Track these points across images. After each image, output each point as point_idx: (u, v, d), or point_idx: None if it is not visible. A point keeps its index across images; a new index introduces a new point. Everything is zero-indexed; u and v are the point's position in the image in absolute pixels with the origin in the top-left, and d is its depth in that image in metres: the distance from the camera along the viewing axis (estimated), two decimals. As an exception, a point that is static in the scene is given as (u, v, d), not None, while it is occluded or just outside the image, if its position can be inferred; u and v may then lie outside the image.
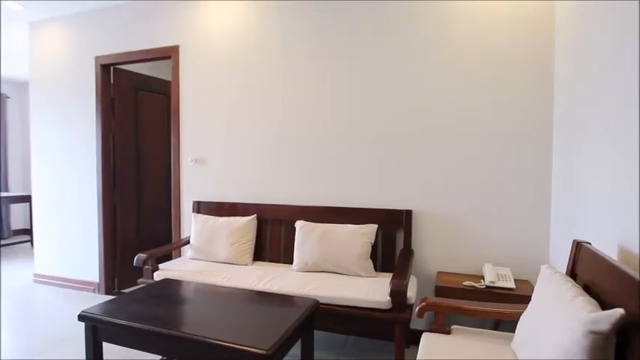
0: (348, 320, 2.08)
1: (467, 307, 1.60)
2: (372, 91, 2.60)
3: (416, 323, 2.55)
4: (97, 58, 3.49)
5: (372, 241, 2.44)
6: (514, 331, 1.69)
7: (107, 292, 3.56)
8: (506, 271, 2.21)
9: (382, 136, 2.58)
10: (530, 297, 2.00)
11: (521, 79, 2.28)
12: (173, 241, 3.17)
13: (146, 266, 2.54)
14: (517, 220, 2.32)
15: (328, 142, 2.72)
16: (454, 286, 2.18)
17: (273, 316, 1.72)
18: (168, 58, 3.24)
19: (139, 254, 2.53)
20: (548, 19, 2.22)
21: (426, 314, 1.82)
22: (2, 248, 5.40)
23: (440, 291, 2.18)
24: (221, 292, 2.08)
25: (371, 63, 2.59)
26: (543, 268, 1.49)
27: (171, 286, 2.17)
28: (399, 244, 2.56)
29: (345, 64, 2.66)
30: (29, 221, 6.25)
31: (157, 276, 2.54)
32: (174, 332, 1.57)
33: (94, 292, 3.60)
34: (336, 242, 2.43)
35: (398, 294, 1.96)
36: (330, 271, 2.45)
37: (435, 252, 2.51)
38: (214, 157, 3.06)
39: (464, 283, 2.18)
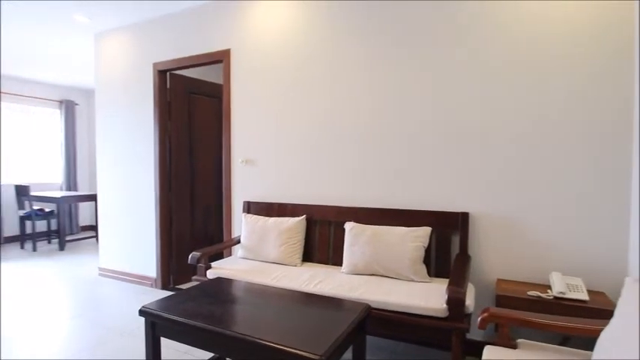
0: (400, 326, 2.00)
1: (537, 320, 1.47)
2: (427, 90, 2.48)
3: (470, 332, 2.41)
4: (154, 64, 3.67)
5: (426, 245, 2.33)
6: (585, 348, 1.53)
7: (163, 287, 3.73)
8: (578, 282, 2.01)
9: (436, 135, 2.46)
10: (607, 311, 1.81)
11: (598, 77, 2.07)
12: (224, 240, 3.24)
13: (199, 264, 2.61)
14: (590, 227, 2.11)
15: (378, 143, 2.64)
16: (517, 295, 2.02)
17: (324, 320, 1.68)
18: (220, 62, 3.33)
19: (193, 252, 2.61)
20: (629, 12, 1.99)
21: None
22: (71, 243, 5.86)
23: (501, 300, 2.03)
24: (271, 293, 2.08)
25: (425, 62, 2.48)
26: (629, 280, 1.32)
27: (223, 284, 2.21)
28: (455, 249, 2.43)
29: (393, 64, 2.57)
30: (95, 218, 6.76)
31: (210, 274, 2.60)
32: (227, 332, 1.59)
33: (152, 286, 3.78)
34: (387, 245, 2.35)
35: (455, 302, 1.85)
36: (381, 274, 2.37)
37: (494, 258, 2.35)
38: (264, 158, 3.10)
39: (528, 293, 2.02)
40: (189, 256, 2.60)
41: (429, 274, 2.39)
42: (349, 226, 2.56)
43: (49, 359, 2.38)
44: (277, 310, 1.83)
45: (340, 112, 2.77)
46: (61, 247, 5.48)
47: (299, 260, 2.73)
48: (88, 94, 6.99)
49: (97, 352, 2.46)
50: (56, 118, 6.58)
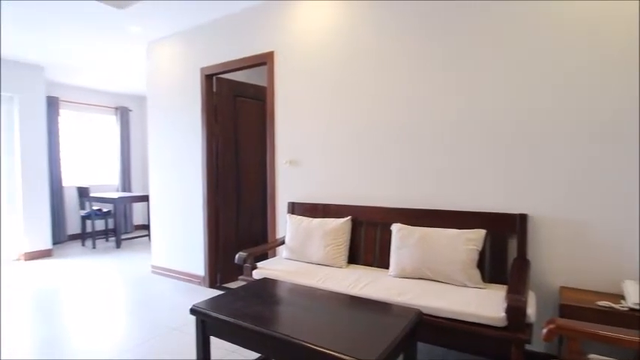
0: (453, 334, 1.89)
1: (615, 335, 1.32)
2: (476, 88, 2.35)
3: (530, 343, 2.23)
4: (202, 69, 3.79)
5: (480, 248, 2.20)
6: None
7: (211, 286, 3.83)
8: (658, 292, 1.80)
9: (490, 132, 2.32)
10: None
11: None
12: (269, 241, 3.27)
13: (246, 264, 2.64)
14: (671, 230, 1.88)
15: (425, 142, 2.54)
16: (584, 305, 1.85)
17: (374, 325, 1.62)
18: (264, 64, 3.37)
19: (239, 252, 2.65)
20: None
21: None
22: (126, 241, 6.21)
23: (565, 310, 1.87)
24: (317, 295, 2.05)
25: (474, 61, 2.35)
26: None
27: (270, 285, 2.21)
28: (511, 253, 2.27)
29: (441, 63, 2.45)
30: (147, 218, 7.12)
31: (256, 274, 2.63)
32: (274, 333, 1.57)
33: (200, 284, 3.90)
34: (438, 248, 2.24)
35: (516, 311, 1.72)
36: (430, 278, 2.27)
37: (557, 263, 2.16)
38: (308, 159, 3.08)
39: (598, 303, 1.84)
40: (236, 256, 2.64)
41: (483, 279, 2.25)
42: (396, 227, 2.47)
43: (104, 354, 2.51)
44: (324, 312, 1.80)
45: (385, 112, 2.70)
46: (118, 245, 5.81)
47: (344, 262, 2.68)
48: (141, 100, 7.39)
49: (150, 347, 2.56)
50: (112, 123, 7.01)
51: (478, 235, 2.21)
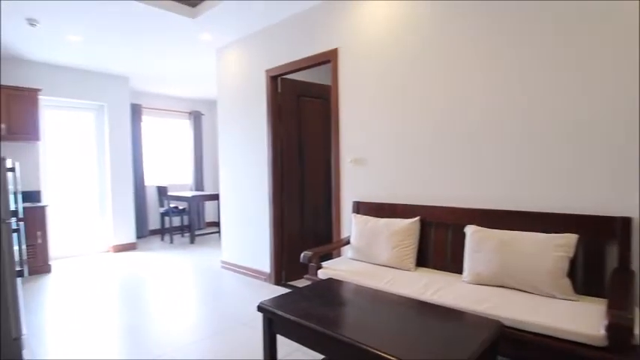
0: (539, 351, 1.69)
1: None
2: (572, 86, 2.08)
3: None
4: (266, 71, 3.87)
5: (570, 255, 1.94)
6: None
7: (276, 283, 3.91)
8: None
9: (585, 127, 2.04)
10: None
11: None
12: (333, 240, 3.24)
13: (311, 263, 2.63)
14: None
15: (501, 137, 2.31)
16: None
17: (449, 335, 1.50)
18: (328, 62, 3.34)
19: (304, 252, 2.64)
20: None
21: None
22: (199, 237, 6.60)
23: (685, 332, 1.57)
24: (385, 298, 1.96)
25: (564, 61, 2.08)
26: None
27: (335, 286, 2.17)
28: (610, 262, 1.98)
29: (514, 57, 2.21)
30: (218, 216, 7.51)
31: (321, 274, 2.60)
32: (340, 336, 1.52)
33: (266, 281, 3.99)
34: (520, 253, 2.03)
35: (619, 329, 1.48)
36: (511, 287, 2.06)
37: (671, 276, 1.84)
38: (373, 157, 2.99)
39: None
40: (301, 255, 2.64)
41: (575, 290, 1.99)
42: (471, 229, 2.29)
43: (178, 343, 2.65)
44: (392, 317, 1.70)
45: (459, 110, 2.51)
46: (192, 241, 6.20)
47: (412, 264, 2.55)
48: (212, 104, 7.82)
49: (220, 340, 2.66)
50: (186, 127, 7.51)
51: (569, 240, 1.96)
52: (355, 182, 3.13)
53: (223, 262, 4.61)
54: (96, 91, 5.46)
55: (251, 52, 4.08)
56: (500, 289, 2.08)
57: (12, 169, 2.45)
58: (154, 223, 6.96)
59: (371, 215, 2.93)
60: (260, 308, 1.89)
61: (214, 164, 7.90)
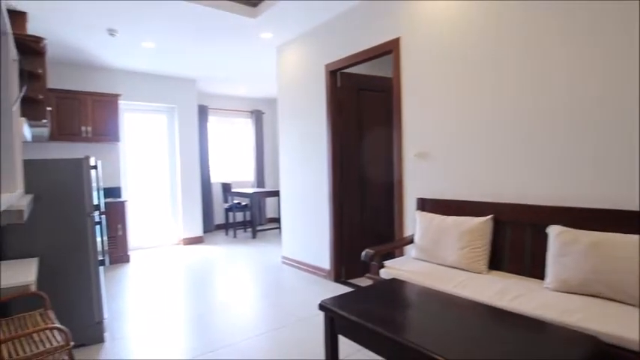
0: (647, 374, 1.44)
1: None
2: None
3: None
4: (326, 66, 3.82)
5: (686, 263, 1.64)
6: None
7: (336, 280, 3.86)
8: None
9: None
10: None
11: None
12: (396, 239, 3.10)
13: (373, 262, 2.54)
14: None
15: (591, 125, 2.02)
16: None
17: (534, 350, 1.32)
18: (389, 52, 3.20)
19: (366, 250, 2.55)
20: None
21: None
22: (261, 232, 6.78)
23: None
24: (455, 302, 1.81)
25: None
26: None
27: (400, 287, 2.05)
28: None
29: (612, 49, 1.91)
30: (278, 211, 7.66)
31: (383, 273, 2.50)
32: (405, 341, 1.42)
33: (325, 278, 3.96)
34: (618, 258, 1.75)
35: None
36: (607, 297, 1.79)
37: None
38: (439, 151, 2.81)
39: None
40: (363, 253, 2.55)
41: (691, 304, 1.68)
42: (555, 230, 2.04)
43: (241, 335, 2.71)
44: (464, 324, 1.56)
45: (535, 96, 2.25)
46: (253, 236, 6.39)
47: (484, 267, 2.35)
48: (272, 102, 7.99)
49: (281, 335, 2.67)
50: (248, 126, 7.75)
51: (683, 244, 1.65)
52: (419, 178, 2.96)
53: (284, 258, 4.67)
54: (167, 94, 5.82)
55: (310, 48, 4.06)
56: (592, 298, 1.82)
57: (94, 167, 2.67)
58: (219, 218, 7.29)
59: (437, 213, 2.75)
60: (322, 307, 1.85)
61: (275, 161, 8.07)
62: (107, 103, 4.96)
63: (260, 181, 7.76)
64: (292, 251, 4.52)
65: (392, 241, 2.92)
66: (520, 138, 2.34)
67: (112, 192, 5.26)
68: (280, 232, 6.36)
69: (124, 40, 4.16)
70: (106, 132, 4.96)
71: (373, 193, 4.02)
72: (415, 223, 2.79)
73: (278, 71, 4.66)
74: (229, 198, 6.69)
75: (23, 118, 1.70)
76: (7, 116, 1.22)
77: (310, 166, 4.14)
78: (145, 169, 5.89)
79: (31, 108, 2.92)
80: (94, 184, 2.64)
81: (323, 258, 4.01)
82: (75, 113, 4.72)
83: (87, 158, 2.56)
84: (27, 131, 1.99)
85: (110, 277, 4.31)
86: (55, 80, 4.82)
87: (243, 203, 6.78)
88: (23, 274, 1.96)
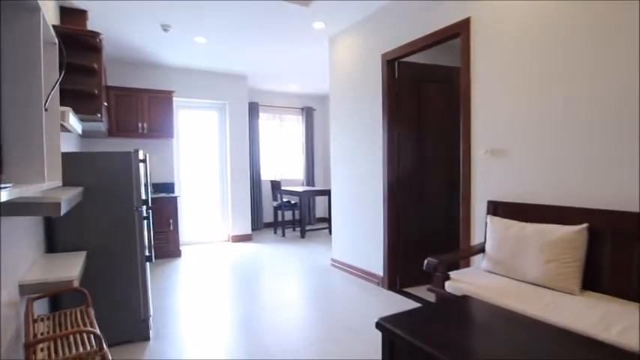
0: None
1: None
2: None
3: None
4: (383, 55, 3.53)
5: None
6: None
7: (389, 288, 3.55)
8: None
9: None
10: None
11: None
12: (462, 247, 2.74)
13: (437, 273, 2.22)
14: None
15: None
16: None
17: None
18: (456, 36, 2.84)
19: (429, 259, 2.24)
20: None
21: None
22: (310, 232, 6.61)
23: None
24: (548, 332, 1.45)
25: None
26: None
27: (474, 306, 1.73)
28: None
29: None
30: (328, 211, 7.45)
31: (449, 286, 2.17)
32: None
33: (378, 285, 3.67)
34: None
35: None
36: None
37: None
38: (516, 147, 2.41)
39: None
40: (425, 263, 2.24)
41: None
42: (682, 246, 1.60)
43: (289, 344, 2.50)
44: (571, 366, 1.21)
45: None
46: (302, 235, 6.24)
47: (577, 286, 1.94)
48: (323, 99, 7.80)
49: (331, 347, 2.43)
50: (298, 123, 7.63)
51: None
52: (490, 178, 2.58)
53: (333, 260, 4.44)
54: (219, 91, 5.83)
55: (365, 37, 3.79)
56: None
57: (143, 161, 2.60)
58: (267, 216, 7.23)
59: (514, 219, 2.36)
60: (379, 326, 1.58)
61: (325, 159, 7.87)
62: (162, 99, 5.04)
63: (310, 179, 7.61)
64: (342, 254, 4.27)
65: (455, 249, 2.58)
66: (623, 128, 1.90)
67: (166, 187, 5.35)
68: (330, 232, 6.15)
69: (178, 35, 4.16)
70: (160, 128, 5.04)
71: (434, 194, 3.66)
72: (485, 229, 2.42)
73: (330, 64, 4.43)
74: (278, 196, 6.60)
75: (68, 108, 1.63)
76: (34, 103, 1.09)
77: (363, 164, 3.87)
78: (197, 165, 5.96)
79: (86, 102, 2.94)
80: (142, 179, 2.58)
81: (376, 263, 3.72)
82: (132, 110, 4.83)
83: (136, 151, 2.50)
84: (74, 123, 1.94)
85: (161, 271, 4.35)
86: (113, 78, 4.98)
87: (293, 202, 6.66)
88: (68, 268, 1.90)
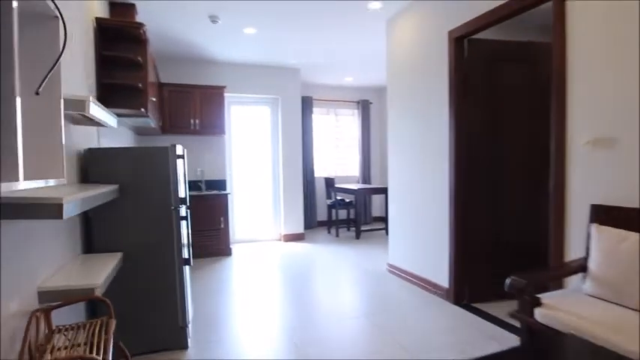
0: None
1: None
2: None
3: None
4: (449, 32, 3.04)
5: None
6: None
7: (456, 302, 3.07)
8: None
9: None
10: None
11: None
12: (552, 262, 2.21)
13: (524, 296, 1.74)
14: None
15: None
16: None
17: None
18: (545, 0, 2.29)
19: (512, 278, 1.77)
20: None
21: None
22: (365, 233, 6.22)
23: None
24: None
25: None
26: None
27: (587, 351, 1.26)
28: None
29: None
30: (385, 211, 7.00)
31: (541, 315, 1.69)
32: None
33: (442, 297, 3.20)
34: None
35: None
36: None
37: None
38: (631, 136, 1.84)
39: None
40: (507, 283, 1.77)
41: None
42: None
43: (341, 367, 2.17)
44: None
45: None
46: (357, 236, 5.87)
47: None
48: (380, 91, 7.33)
49: (387, 376, 2.06)
50: (354, 117, 7.25)
51: None
52: (594, 175, 2.02)
53: (390, 266, 4.02)
54: (271, 85, 5.65)
55: (427, 14, 3.31)
56: None
57: (181, 157, 2.42)
58: (321, 214, 6.96)
59: (628, 228, 1.80)
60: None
61: (382, 155, 7.41)
62: (213, 95, 4.96)
63: (366, 176, 7.20)
64: (401, 259, 3.85)
65: (540, 263, 2.06)
66: None
67: (217, 184, 5.29)
68: (387, 233, 5.72)
69: (226, 26, 4.00)
70: (212, 125, 4.97)
71: (511, 193, 3.10)
72: (588, 241, 1.89)
73: (388, 49, 4.01)
74: (332, 194, 6.29)
75: (87, 96, 1.45)
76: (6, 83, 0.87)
77: (425, 159, 3.41)
78: (249, 162, 5.84)
79: (131, 96, 2.85)
80: (180, 175, 2.40)
81: (439, 272, 3.25)
82: (184, 106, 4.81)
83: (173, 146, 2.32)
84: (103, 115, 1.77)
85: (209, 270, 4.24)
86: (166, 75, 4.96)
87: (347, 200, 6.31)
88: (94, 274, 1.74)
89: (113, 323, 1.60)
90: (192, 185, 5.14)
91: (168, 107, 4.70)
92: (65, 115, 1.68)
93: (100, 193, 1.67)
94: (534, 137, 3.03)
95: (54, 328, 1.55)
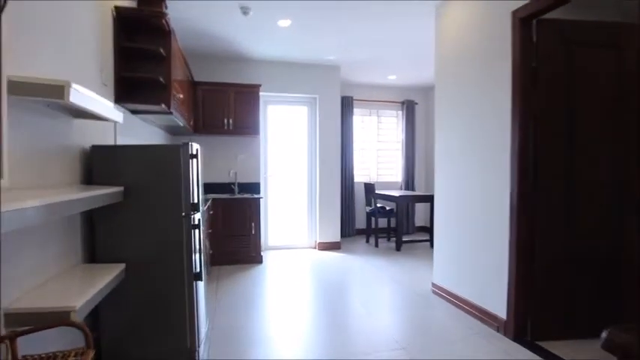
0: None
1: None
2: None
3: None
4: (513, 13, 2.54)
5: None
6: None
7: (515, 338, 2.54)
8: None
9: None
10: None
11: None
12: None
13: None
14: None
15: None
16: None
17: None
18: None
19: (611, 330, 1.27)
20: None
21: None
22: (407, 244, 5.70)
23: None
24: None
25: None
26: None
27: None
28: None
29: None
30: (429, 220, 6.43)
31: (655, 389, 1.18)
32: None
33: (497, 330, 2.68)
34: None
35: None
36: None
37: None
38: None
39: None
40: (603, 336, 1.28)
41: None
42: None
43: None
44: None
45: None
46: (398, 248, 5.39)
47: None
48: (426, 91, 6.78)
49: None
50: (398, 118, 6.76)
51: None
52: None
53: (434, 286, 3.53)
54: (308, 84, 5.34)
55: (486, -5, 2.83)
56: None
57: (195, 156, 2.14)
58: (360, 222, 6.52)
59: None
60: None
61: (428, 160, 6.84)
62: (248, 94, 4.74)
63: (409, 183, 6.68)
64: (448, 279, 3.35)
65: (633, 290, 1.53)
66: None
67: (251, 188, 5.05)
68: (431, 246, 5.18)
69: (259, 18, 3.72)
70: (246, 124, 4.75)
71: (591, 204, 2.53)
72: None
73: (436, 40, 3.54)
74: (372, 200, 5.84)
75: (66, 81, 1.20)
76: None
77: (479, 164, 2.91)
78: (284, 164, 5.56)
79: (151, 91, 2.64)
80: (193, 178, 2.12)
81: (496, 299, 2.73)
82: (218, 105, 4.63)
83: (185, 145, 2.05)
84: (98, 107, 1.53)
85: (236, 280, 3.97)
86: (200, 73, 4.75)
87: (388, 208, 5.84)
88: (76, 292, 1.48)
89: (90, 354, 1.33)
90: (225, 188, 4.94)
91: (202, 106, 4.54)
92: (45, 103, 1.44)
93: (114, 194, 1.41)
94: (619, 138, 2.44)
95: (19, 358, 1.30)
